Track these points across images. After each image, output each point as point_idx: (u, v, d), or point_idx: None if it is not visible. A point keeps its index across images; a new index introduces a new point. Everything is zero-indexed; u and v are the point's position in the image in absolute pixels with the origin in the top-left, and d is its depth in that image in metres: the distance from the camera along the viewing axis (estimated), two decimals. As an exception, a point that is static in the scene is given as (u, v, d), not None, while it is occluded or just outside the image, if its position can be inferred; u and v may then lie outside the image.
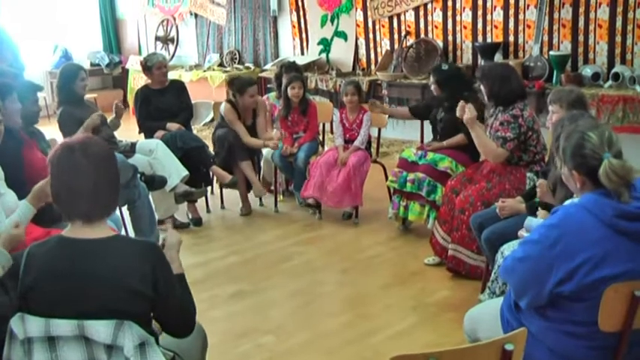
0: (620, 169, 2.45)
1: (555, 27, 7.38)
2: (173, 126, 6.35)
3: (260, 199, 6.71)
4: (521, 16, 7.66)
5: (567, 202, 2.73)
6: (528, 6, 7.55)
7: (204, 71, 10.80)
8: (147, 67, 6.51)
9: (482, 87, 4.90)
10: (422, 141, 6.25)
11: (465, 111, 4.76)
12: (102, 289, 2.24)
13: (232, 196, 6.77)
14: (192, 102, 6.96)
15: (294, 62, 7.20)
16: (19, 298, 2.31)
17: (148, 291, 2.29)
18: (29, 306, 2.28)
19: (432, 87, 5.83)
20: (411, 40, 8.69)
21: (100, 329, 2.20)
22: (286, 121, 6.61)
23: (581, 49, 7.27)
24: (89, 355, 2.25)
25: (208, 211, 6.69)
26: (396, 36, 8.95)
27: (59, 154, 2.34)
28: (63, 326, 2.23)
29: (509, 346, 2.13)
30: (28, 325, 2.26)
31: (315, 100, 7.16)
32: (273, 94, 7.03)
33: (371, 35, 9.26)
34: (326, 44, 9.73)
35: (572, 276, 2.46)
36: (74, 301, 2.24)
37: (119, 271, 2.27)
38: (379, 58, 9.08)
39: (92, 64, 12.49)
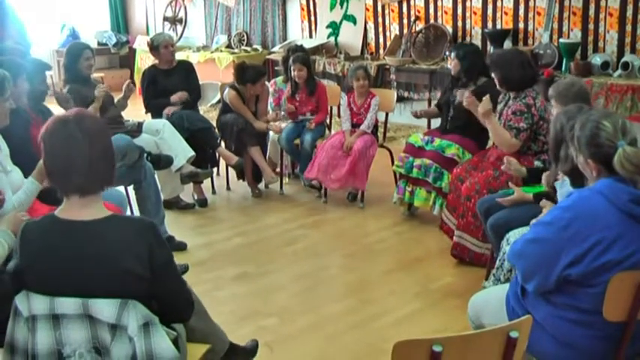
0: (634, 156, 2.45)
1: (565, 14, 7.33)
2: (177, 96, 6.35)
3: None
4: (531, 3, 7.62)
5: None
6: (539, -7, 7.52)
7: (212, 52, 10.77)
8: (154, 47, 6.48)
9: (493, 74, 4.87)
10: (429, 127, 6.22)
11: (479, 104, 4.74)
12: (99, 271, 2.24)
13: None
14: (200, 83, 6.93)
15: (301, 46, 7.16)
16: (15, 276, 2.31)
17: (145, 271, 2.29)
18: (27, 285, 2.28)
19: (452, 63, 5.69)
20: (420, 25, 8.66)
21: (105, 308, 2.21)
22: (294, 100, 6.61)
23: (591, 38, 7.23)
24: (93, 333, 2.26)
25: (214, 192, 6.69)
26: (405, 21, 8.91)
27: (52, 128, 2.32)
28: (67, 304, 2.23)
29: (514, 334, 2.13)
30: (32, 303, 2.26)
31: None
32: (280, 79, 7.00)
33: (380, 19, 9.22)
34: (335, 28, 9.69)
35: (582, 259, 2.47)
36: (72, 283, 2.24)
37: (115, 252, 2.26)
38: (388, 43, 9.04)
39: (99, 44, 12.48)
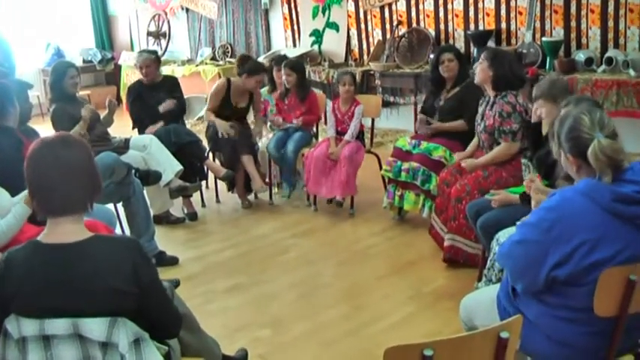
0: (608, 148, 2.45)
1: (547, 13, 7.36)
2: (164, 107, 6.42)
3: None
4: (512, 3, 7.63)
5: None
6: (520, -8, 7.54)
7: (197, 65, 10.78)
8: (135, 66, 6.55)
9: (488, 67, 4.84)
10: (415, 131, 6.22)
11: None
12: (87, 292, 2.22)
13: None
14: (185, 97, 6.95)
15: (284, 56, 7.19)
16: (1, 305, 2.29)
17: (132, 288, 2.27)
18: (14, 311, 2.27)
19: (451, 64, 5.58)
20: (402, 30, 8.67)
21: (94, 327, 2.20)
22: (282, 103, 6.69)
23: (573, 35, 7.25)
24: (84, 353, 2.24)
25: (203, 205, 6.68)
26: (387, 26, 8.93)
27: (35, 150, 2.31)
28: (57, 325, 2.21)
29: (504, 334, 2.13)
30: (22, 325, 2.25)
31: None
32: (265, 90, 7.00)
33: (363, 26, 9.24)
34: (318, 36, 9.71)
35: (568, 259, 2.46)
36: (60, 306, 2.22)
37: (102, 272, 2.24)
38: (371, 49, 9.06)
39: (85, 61, 12.48)
